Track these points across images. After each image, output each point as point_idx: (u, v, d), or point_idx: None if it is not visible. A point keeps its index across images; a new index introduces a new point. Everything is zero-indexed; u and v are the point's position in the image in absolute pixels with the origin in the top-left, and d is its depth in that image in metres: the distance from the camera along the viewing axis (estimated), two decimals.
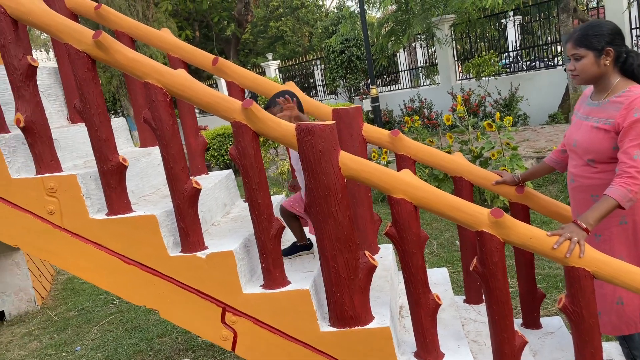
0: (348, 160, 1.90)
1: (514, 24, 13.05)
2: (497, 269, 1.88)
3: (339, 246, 1.89)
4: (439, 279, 2.89)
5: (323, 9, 27.33)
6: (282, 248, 2.48)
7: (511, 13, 12.50)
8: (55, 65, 2.92)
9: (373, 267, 1.95)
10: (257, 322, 2.03)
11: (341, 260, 1.89)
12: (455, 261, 4.50)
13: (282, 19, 25.85)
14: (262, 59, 24.25)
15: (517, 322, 2.72)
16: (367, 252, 1.96)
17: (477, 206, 1.89)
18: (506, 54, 12.74)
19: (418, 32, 11.61)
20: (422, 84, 14.53)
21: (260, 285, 2.08)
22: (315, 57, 18.91)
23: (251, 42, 28.79)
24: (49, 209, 2.06)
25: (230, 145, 10.29)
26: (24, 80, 2.05)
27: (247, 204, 3.03)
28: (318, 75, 18.75)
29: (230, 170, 3.12)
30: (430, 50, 15.07)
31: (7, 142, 2.10)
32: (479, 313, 2.72)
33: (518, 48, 12.75)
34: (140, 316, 4.48)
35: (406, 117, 6.83)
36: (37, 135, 2.08)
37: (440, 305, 1.97)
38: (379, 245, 2.82)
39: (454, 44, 12.71)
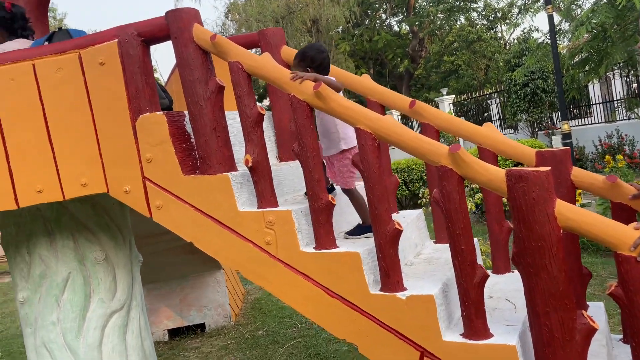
0: (565, 210, 1.77)
1: None
2: None
3: (552, 303, 1.75)
4: None
5: (502, 41, 26.29)
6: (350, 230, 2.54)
7: None
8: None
9: (593, 330, 1.76)
10: None
11: (555, 319, 1.75)
12: None
13: (457, 53, 25.49)
14: (434, 94, 24.13)
15: None
16: (585, 313, 1.78)
17: None
18: None
19: (617, 61, 10.45)
20: (620, 118, 12.93)
21: (460, 334, 2.02)
22: (492, 91, 18.18)
23: (424, 77, 28.93)
24: (267, 240, 2.30)
25: (402, 179, 10.31)
26: (254, 126, 2.35)
27: (436, 245, 3.03)
28: (494, 109, 17.95)
29: (420, 211, 3.14)
30: (630, 79, 13.40)
31: (236, 179, 2.41)
32: None
33: None
34: (322, 344, 4.68)
35: (607, 156, 6.12)
36: (261, 174, 2.35)
37: None
38: (587, 303, 2.54)
39: None
